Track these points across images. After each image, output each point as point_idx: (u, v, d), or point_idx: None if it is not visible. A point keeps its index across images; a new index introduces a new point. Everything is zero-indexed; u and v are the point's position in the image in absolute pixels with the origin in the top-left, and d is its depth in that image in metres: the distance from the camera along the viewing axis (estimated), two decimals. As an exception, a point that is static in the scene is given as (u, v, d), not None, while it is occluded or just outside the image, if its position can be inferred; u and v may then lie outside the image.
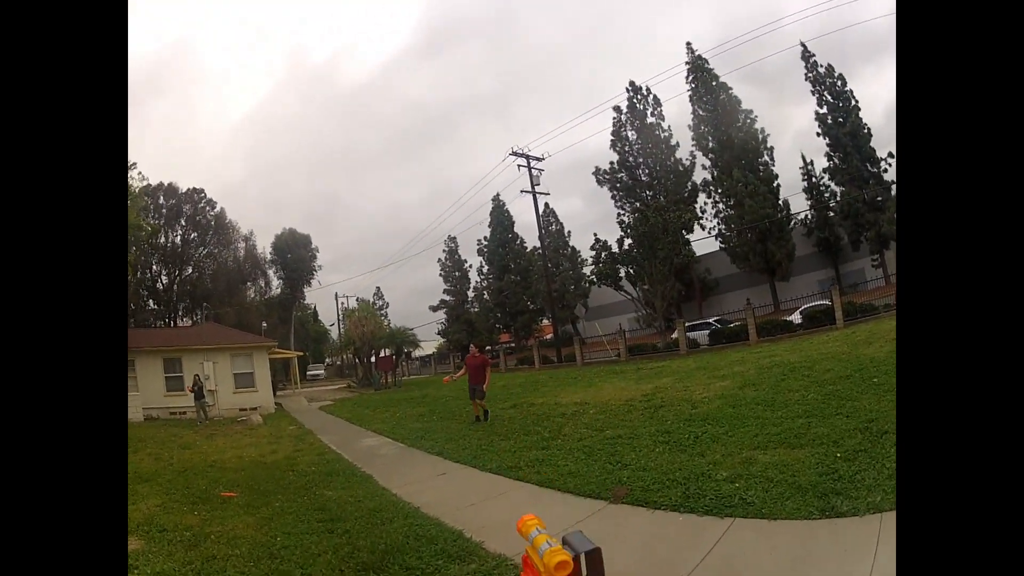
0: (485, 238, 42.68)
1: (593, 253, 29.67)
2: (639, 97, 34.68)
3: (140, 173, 22.98)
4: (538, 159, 28.28)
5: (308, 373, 45.63)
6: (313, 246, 47.65)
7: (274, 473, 7.89)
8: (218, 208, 43.05)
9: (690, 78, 33.65)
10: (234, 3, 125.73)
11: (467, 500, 5.51)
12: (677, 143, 34.17)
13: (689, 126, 33.66)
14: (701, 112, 33.09)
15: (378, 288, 53.77)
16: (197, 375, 17.58)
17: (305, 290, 47.96)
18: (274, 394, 23.30)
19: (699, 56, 33.62)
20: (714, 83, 32.82)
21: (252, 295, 44.08)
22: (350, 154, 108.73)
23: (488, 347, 36.83)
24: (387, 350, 32.83)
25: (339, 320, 46.64)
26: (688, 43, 49.11)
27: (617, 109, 34.86)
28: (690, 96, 33.70)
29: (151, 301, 40.90)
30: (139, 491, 6.89)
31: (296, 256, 46.02)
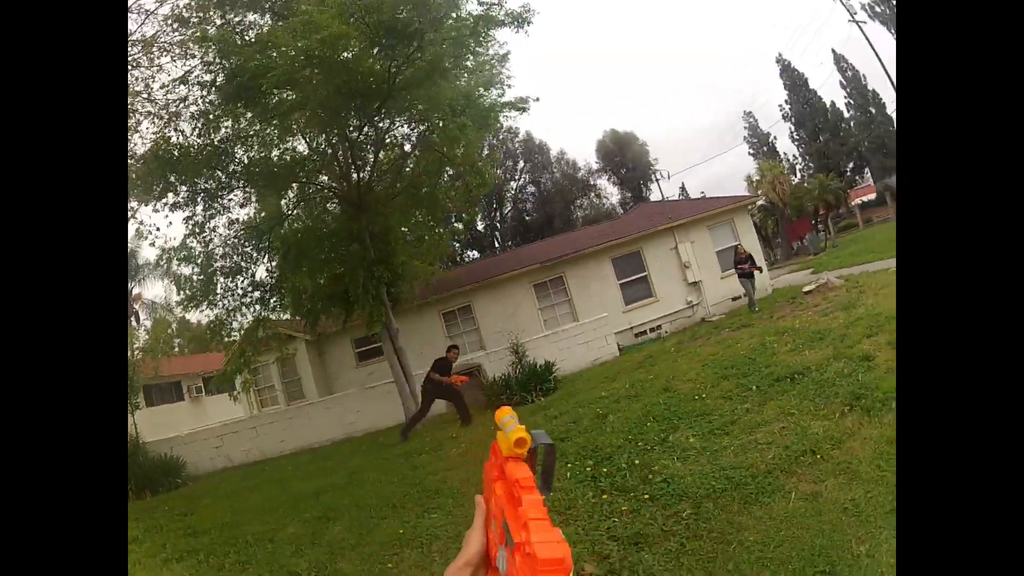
0: (786, 101, 40.19)
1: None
2: None
3: None
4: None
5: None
6: (640, 141, 39.18)
7: None
8: (522, 133, 36.21)
9: None
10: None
11: None
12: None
13: None
14: None
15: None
16: (739, 244, 13.23)
17: (654, 186, 39.12)
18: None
19: None
20: None
21: (587, 212, 37.75)
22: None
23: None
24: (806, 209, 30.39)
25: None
26: None
27: None
28: None
29: (472, 251, 35.89)
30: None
31: (629, 155, 38.76)
